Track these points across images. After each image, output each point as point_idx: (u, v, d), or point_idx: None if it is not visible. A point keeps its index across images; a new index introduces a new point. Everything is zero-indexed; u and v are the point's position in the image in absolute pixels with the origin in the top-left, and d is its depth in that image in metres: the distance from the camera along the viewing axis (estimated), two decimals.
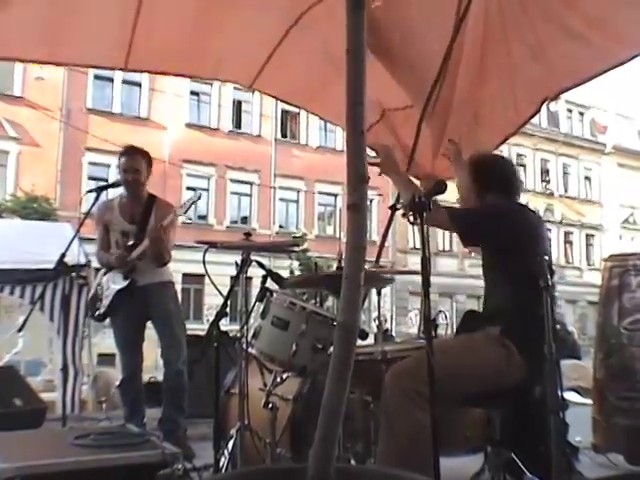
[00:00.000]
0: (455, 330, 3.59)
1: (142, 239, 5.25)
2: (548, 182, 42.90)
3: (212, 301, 27.43)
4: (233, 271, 3.82)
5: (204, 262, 3.72)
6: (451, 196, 3.66)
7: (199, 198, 5.48)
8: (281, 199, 34.64)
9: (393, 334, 25.23)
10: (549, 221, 41.51)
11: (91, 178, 27.86)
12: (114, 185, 5.47)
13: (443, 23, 4.25)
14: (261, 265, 3.93)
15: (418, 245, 2.92)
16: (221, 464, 3.56)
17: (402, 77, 4.66)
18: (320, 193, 35.25)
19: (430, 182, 3.58)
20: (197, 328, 14.15)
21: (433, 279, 3.04)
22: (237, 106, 33.47)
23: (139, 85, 30.76)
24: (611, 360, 5.14)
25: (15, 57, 5.15)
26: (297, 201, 35.16)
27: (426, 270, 2.87)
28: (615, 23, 3.81)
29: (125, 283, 5.27)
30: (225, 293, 3.76)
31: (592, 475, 4.40)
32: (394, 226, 26.27)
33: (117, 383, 5.72)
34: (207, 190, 31.89)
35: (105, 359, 11.35)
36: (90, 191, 5.31)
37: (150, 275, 5.35)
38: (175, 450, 3.10)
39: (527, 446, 3.66)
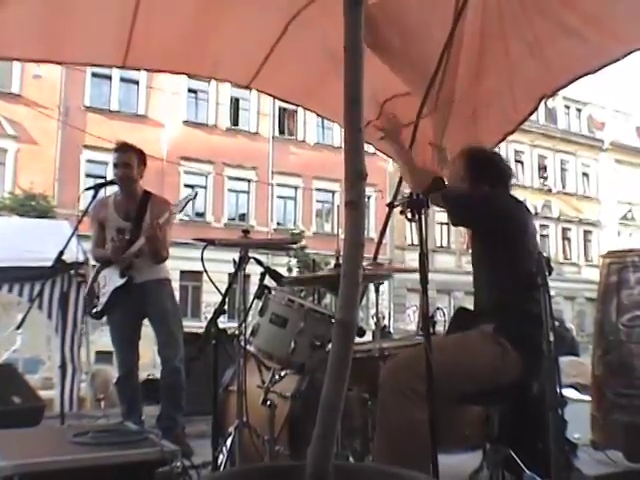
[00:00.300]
0: (447, 328, 3.59)
1: (137, 236, 5.25)
2: (546, 178, 42.91)
3: (210, 298, 27.44)
4: (231, 268, 3.81)
5: (202, 259, 3.72)
6: None
7: (195, 196, 5.48)
8: (279, 196, 34.63)
9: (391, 331, 25.26)
10: (547, 217, 41.54)
11: (89, 176, 27.89)
12: (112, 183, 5.46)
13: (442, 16, 4.25)
14: (259, 262, 3.92)
15: (416, 242, 2.92)
16: (219, 461, 3.56)
17: (402, 72, 4.66)
18: (318, 190, 35.24)
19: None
20: (195, 325, 14.16)
21: (431, 276, 3.05)
22: (235, 103, 33.46)
23: (137, 83, 30.73)
24: (609, 357, 5.14)
25: (13, 57, 5.14)
26: (295, 198, 35.15)
27: (424, 267, 2.87)
28: (611, 20, 3.82)
29: (122, 281, 5.26)
30: (223, 290, 3.75)
31: (591, 472, 4.40)
32: (392, 223, 26.27)
33: (114, 381, 5.71)
34: (205, 187, 31.92)
35: (103, 357, 11.31)
36: (88, 189, 5.30)
37: (147, 272, 5.35)
38: (173, 448, 3.09)
39: (526, 443, 3.66)
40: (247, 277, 3.90)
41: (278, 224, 34.01)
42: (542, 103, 4.63)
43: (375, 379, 3.18)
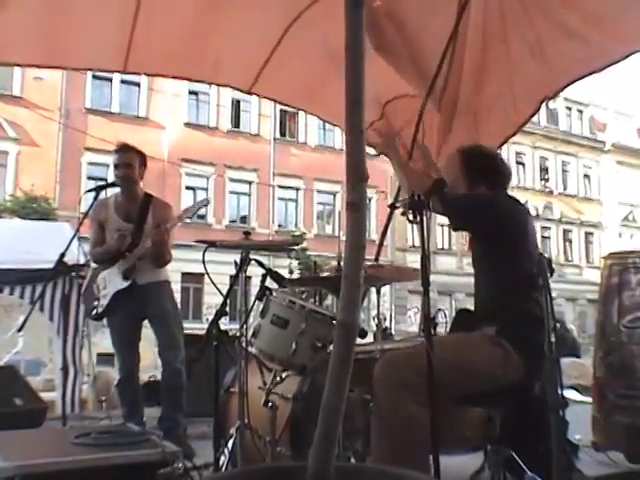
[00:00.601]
0: (449, 329, 3.59)
1: (139, 238, 5.25)
2: (547, 180, 42.91)
3: (211, 300, 27.43)
4: (232, 270, 3.82)
5: (204, 261, 3.72)
6: None
7: (207, 203, 5.49)
8: (280, 198, 34.66)
9: (392, 332, 25.26)
10: (548, 219, 41.53)
11: (90, 178, 27.93)
12: (113, 185, 5.45)
13: (444, 18, 4.25)
14: (260, 264, 3.92)
15: (417, 243, 2.92)
16: (221, 463, 3.55)
17: (407, 73, 4.66)
18: (319, 192, 35.26)
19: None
20: (196, 327, 14.14)
21: (432, 277, 3.05)
22: (236, 105, 33.47)
23: (138, 85, 30.78)
24: (611, 358, 5.14)
25: (13, 62, 5.14)
26: (296, 200, 35.17)
27: (426, 269, 2.87)
28: (612, 20, 3.81)
29: (126, 284, 5.26)
30: (224, 292, 3.76)
31: (592, 473, 4.40)
32: (393, 224, 26.28)
33: (116, 383, 5.71)
34: (206, 189, 31.97)
35: (105, 359, 11.31)
36: (89, 191, 5.30)
37: (149, 275, 5.35)
38: (175, 449, 3.10)
39: (527, 444, 3.66)
40: (248, 279, 3.90)
41: (279, 226, 34.03)
42: (543, 105, 4.63)
43: None
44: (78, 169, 28.82)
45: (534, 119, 5.35)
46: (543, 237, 39.60)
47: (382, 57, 4.42)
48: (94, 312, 5.38)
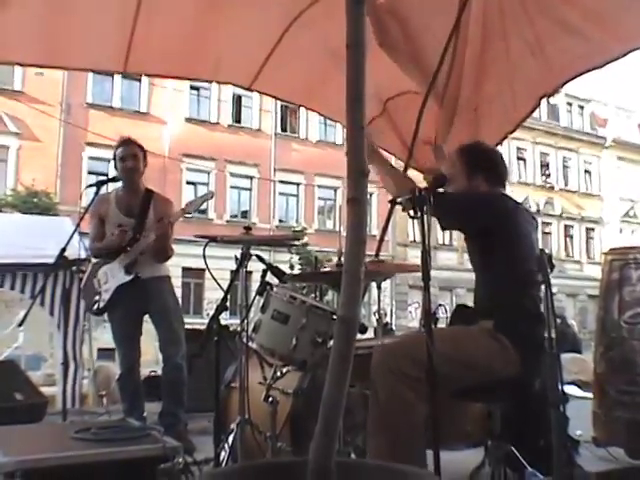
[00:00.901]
0: (448, 324, 3.59)
1: (141, 233, 5.25)
2: (548, 176, 42.90)
3: (212, 295, 27.48)
4: (233, 265, 3.82)
5: (204, 256, 3.72)
6: None
7: (212, 197, 5.49)
8: (281, 193, 34.67)
9: (393, 328, 25.28)
10: (549, 214, 41.52)
11: (91, 173, 27.93)
12: (114, 179, 5.45)
13: (446, 15, 4.26)
14: (261, 259, 3.93)
15: (418, 239, 2.92)
16: (221, 458, 3.56)
17: (411, 71, 4.66)
18: (320, 187, 35.26)
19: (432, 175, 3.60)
20: (197, 322, 14.16)
21: (433, 273, 3.04)
22: (237, 100, 33.44)
23: (139, 80, 30.66)
24: (611, 354, 5.14)
25: (14, 61, 5.15)
26: (297, 195, 35.18)
27: (426, 264, 2.87)
28: (612, 17, 3.82)
29: (128, 278, 5.25)
30: (225, 287, 3.76)
31: (592, 469, 4.39)
32: (394, 220, 26.27)
33: (117, 377, 5.71)
34: (207, 184, 31.93)
35: (105, 353, 11.34)
36: (90, 186, 5.29)
37: (150, 269, 5.35)
38: (176, 444, 3.11)
39: (528, 440, 3.66)
40: (249, 274, 3.90)
41: (280, 221, 34.03)
42: (544, 100, 4.63)
43: None
44: (79, 164, 28.83)
45: (535, 115, 5.38)
46: (544, 233, 39.60)
47: (386, 54, 4.43)
48: (95, 307, 5.37)
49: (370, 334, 4.09)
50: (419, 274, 2.90)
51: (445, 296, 33.67)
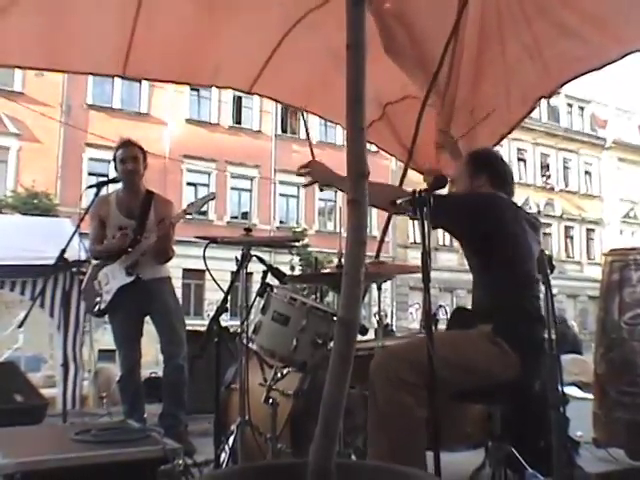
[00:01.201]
0: (446, 327, 3.58)
1: (141, 234, 5.25)
2: (548, 177, 42.91)
3: (212, 296, 27.45)
4: (233, 266, 3.81)
5: (204, 257, 3.72)
6: None
7: (213, 198, 5.49)
8: (281, 194, 34.66)
9: (394, 329, 25.26)
10: (549, 215, 41.52)
11: (91, 174, 27.97)
12: (114, 181, 5.45)
13: (448, 21, 4.27)
14: (261, 260, 3.93)
15: (418, 240, 2.91)
16: (222, 459, 3.56)
17: (415, 74, 4.67)
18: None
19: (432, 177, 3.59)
20: (198, 323, 14.13)
21: (433, 274, 3.04)
22: (237, 102, 33.43)
23: (139, 81, 30.65)
24: (612, 355, 5.14)
25: (13, 64, 5.16)
26: (297, 196, 35.15)
27: (427, 265, 2.87)
28: (611, 20, 3.83)
29: (129, 279, 5.24)
30: (225, 288, 3.76)
31: (593, 470, 4.40)
32: (394, 221, 26.28)
33: (117, 379, 5.71)
34: (207, 185, 31.94)
35: (106, 355, 11.34)
36: (90, 187, 5.29)
37: (150, 271, 5.35)
38: (176, 446, 3.11)
39: (528, 441, 3.66)
40: (249, 275, 3.91)
41: (281, 222, 34.03)
42: (544, 101, 4.64)
43: None
44: (79, 165, 28.83)
45: (535, 115, 5.40)
46: (544, 234, 39.58)
47: (392, 60, 4.45)
48: (97, 308, 5.36)
49: (371, 335, 4.08)
50: (419, 275, 2.89)
51: (446, 297, 33.65)
